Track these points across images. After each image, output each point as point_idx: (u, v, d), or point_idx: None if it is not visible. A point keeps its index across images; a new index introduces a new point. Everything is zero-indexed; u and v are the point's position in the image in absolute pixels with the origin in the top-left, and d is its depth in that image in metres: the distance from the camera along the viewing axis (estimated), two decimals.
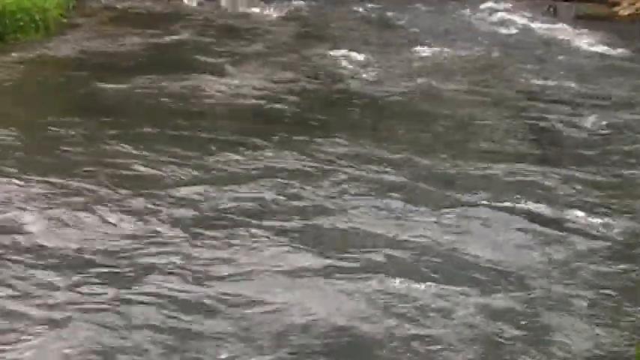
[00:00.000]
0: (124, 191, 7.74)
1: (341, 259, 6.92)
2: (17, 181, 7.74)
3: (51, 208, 7.32)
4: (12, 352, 5.44)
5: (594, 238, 7.54)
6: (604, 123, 10.59)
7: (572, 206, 8.11)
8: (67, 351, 5.46)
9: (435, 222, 7.67)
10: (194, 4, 16.56)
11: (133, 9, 15.76)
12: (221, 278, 6.53)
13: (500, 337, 5.97)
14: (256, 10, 16.14)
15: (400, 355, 5.70)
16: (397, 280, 6.53)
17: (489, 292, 6.53)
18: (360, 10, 16.99)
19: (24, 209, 7.25)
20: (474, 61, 13.48)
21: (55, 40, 12.69)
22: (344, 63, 12.75)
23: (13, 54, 11.71)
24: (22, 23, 12.43)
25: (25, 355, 5.44)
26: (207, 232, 7.19)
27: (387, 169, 8.69)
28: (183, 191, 7.85)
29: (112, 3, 15.87)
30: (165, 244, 6.98)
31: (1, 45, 11.95)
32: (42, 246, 6.72)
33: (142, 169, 8.25)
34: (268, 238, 7.17)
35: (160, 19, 15.17)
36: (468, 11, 17.32)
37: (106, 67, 11.73)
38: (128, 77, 11.15)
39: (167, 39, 13.63)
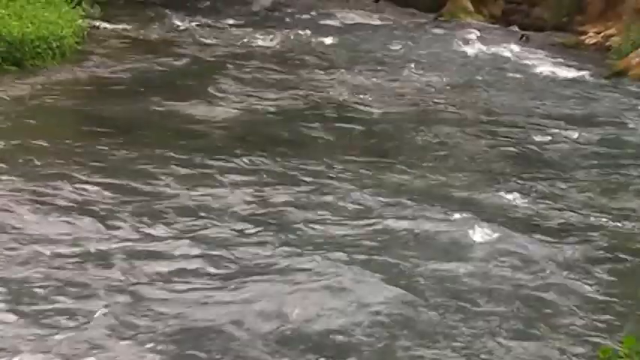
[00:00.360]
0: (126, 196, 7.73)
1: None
2: (35, 190, 7.65)
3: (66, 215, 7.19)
4: None
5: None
6: (572, 138, 10.72)
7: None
8: None
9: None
10: (197, 32, 16.72)
11: (139, 36, 15.88)
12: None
13: None
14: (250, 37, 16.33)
15: None
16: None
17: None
18: (345, 36, 17.21)
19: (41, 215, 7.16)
20: (455, 84, 13.57)
21: (71, 66, 12.64)
22: (332, 85, 12.86)
23: (32, 79, 11.63)
24: (40, 50, 12.33)
25: None
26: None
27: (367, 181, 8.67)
28: (183, 200, 7.79)
29: (120, 31, 15.96)
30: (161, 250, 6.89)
31: (20, 70, 11.85)
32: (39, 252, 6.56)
33: (149, 179, 8.20)
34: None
35: (162, 45, 15.30)
36: (450, 39, 17.50)
37: (116, 90, 11.73)
38: (135, 99, 11.17)
39: (168, 63, 13.70)
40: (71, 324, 5.61)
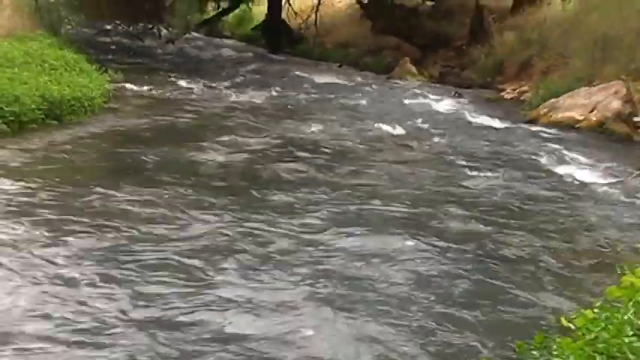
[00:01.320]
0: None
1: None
2: (69, 230, 7.32)
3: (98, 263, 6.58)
4: None
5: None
6: (494, 172, 10.59)
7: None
8: None
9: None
10: (200, 92, 16.91)
11: (153, 95, 16.00)
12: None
13: None
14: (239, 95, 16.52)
15: None
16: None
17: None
18: (315, 93, 17.38)
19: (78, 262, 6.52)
20: (401, 130, 13.51)
21: (99, 120, 12.69)
22: (307, 132, 12.95)
23: (69, 131, 11.67)
24: (75, 108, 12.47)
25: None
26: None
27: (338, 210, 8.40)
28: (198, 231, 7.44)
29: (140, 92, 16.11)
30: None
31: (59, 124, 11.93)
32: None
33: (168, 215, 7.92)
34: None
35: (171, 102, 15.41)
36: (399, 95, 17.71)
37: (135, 139, 11.69)
38: (150, 146, 11.08)
39: (176, 117, 13.69)
40: None
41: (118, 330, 5.31)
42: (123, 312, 5.57)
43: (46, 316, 5.40)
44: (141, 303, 5.74)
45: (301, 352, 5.21)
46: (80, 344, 5.09)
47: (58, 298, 5.69)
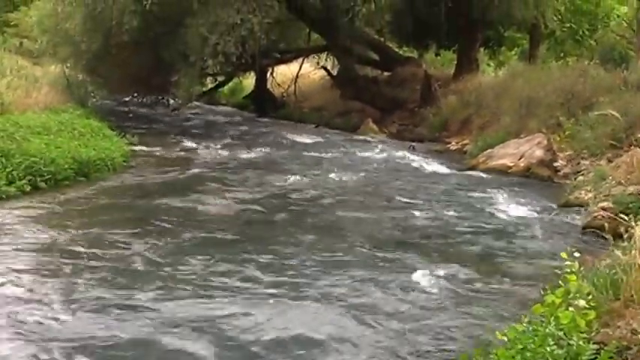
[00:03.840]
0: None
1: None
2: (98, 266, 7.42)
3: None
4: None
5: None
6: (441, 212, 10.50)
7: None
8: None
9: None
10: (201, 150, 16.97)
11: (163, 154, 16.09)
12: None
13: None
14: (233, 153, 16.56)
15: None
16: None
17: None
18: (295, 149, 17.46)
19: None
20: (362, 180, 13.49)
21: (120, 176, 12.76)
22: (289, 181, 12.98)
23: (95, 185, 11.75)
24: (99, 167, 12.56)
25: None
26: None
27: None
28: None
29: (152, 152, 16.19)
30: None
31: (87, 180, 11.99)
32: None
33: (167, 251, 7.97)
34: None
35: (178, 160, 15.46)
36: (363, 148, 17.81)
37: (150, 191, 11.73)
38: (163, 196, 11.13)
39: (182, 172, 13.72)
40: None
41: None
42: None
43: None
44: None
45: None
46: None
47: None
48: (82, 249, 7.95)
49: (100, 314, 6.01)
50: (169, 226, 9.22)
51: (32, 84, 16.57)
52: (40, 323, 5.76)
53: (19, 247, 7.91)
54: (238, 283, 6.96)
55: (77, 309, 6.11)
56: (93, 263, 7.48)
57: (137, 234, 8.72)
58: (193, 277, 7.13)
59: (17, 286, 6.59)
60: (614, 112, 13.24)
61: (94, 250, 7.90)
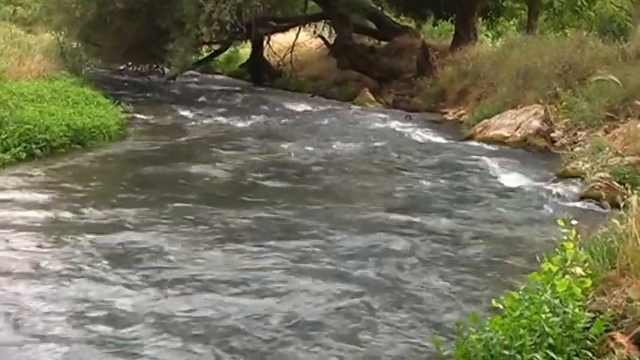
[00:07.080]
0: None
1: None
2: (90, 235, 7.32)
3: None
4: None
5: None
6: (436, 180, 10.59)
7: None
8: None
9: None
10: (196, 119, 16.87)
11: (158, 123, 16.03)
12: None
13: None
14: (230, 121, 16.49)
15: None
16: None
17: None
18: (292, 118, 17.39)
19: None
20: (361, 146, 13.56)
21: (115, 144, 12.70)
22: (284, 149, 12.96)
23: (90, 153, 11.73)
24: (95, 134, 12.50)
25: None
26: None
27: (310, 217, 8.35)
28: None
29: (147, 120, 16.14)
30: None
31: (83, 147, 11.97)
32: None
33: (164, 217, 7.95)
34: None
35: (173, 128, 15.43)
36: (359, 118, 17.73)
37: (145, 158, 11.73)
38: (158, 163, 11.18)
39: (178, 140, 13.78)
40: None
41: None
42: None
43: None
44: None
45: None
46: None
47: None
48: (81, 212, 8.02)
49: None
50: (168, 193, 9.23)
51: (25, 52, 16.37)
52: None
53: (19, 214, 7.84)
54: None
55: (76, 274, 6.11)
56: (92, 221, 7.61)
57: (135, 199, 8.77)
58: (190, 237, 7.23)
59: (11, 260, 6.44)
60: (613, 78, 13.19)
61: (94, 213, 8.03)
